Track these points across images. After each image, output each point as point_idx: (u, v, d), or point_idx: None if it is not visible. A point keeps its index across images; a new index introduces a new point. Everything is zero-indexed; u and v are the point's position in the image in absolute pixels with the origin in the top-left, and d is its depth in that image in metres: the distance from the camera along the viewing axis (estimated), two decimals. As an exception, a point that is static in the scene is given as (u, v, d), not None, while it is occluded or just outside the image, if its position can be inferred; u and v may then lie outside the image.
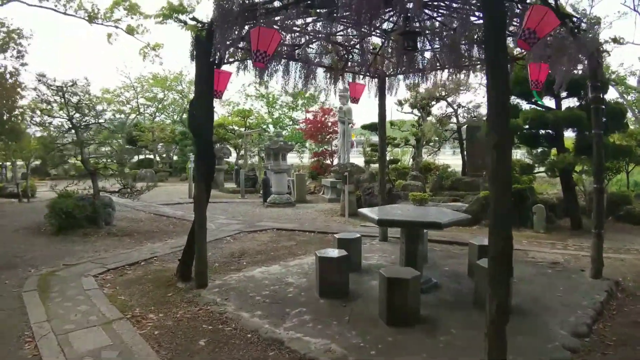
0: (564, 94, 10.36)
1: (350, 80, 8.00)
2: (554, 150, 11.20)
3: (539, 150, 11.43)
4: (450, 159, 19.36)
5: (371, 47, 7.32)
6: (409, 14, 5.03)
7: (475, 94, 16.34)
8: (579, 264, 6.75)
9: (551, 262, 6.98)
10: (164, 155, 31.24)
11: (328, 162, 20.76)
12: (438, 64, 6.86)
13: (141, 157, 29.41)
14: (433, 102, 16.83)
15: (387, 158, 20.02)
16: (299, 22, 5.16)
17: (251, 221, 11.24)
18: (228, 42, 4.60)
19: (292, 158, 23.60)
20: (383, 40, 6.99)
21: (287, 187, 15.65)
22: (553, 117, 9.52)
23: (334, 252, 5.43)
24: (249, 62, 5.65)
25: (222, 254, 7.77)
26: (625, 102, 16.06)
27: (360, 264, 6.45)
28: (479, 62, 6.48)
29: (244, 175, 18.52)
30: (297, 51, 6.02)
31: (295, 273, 6.28)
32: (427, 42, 6.64)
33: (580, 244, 8.24)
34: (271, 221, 11.31)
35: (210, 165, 5.76)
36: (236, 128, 27.23)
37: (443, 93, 15.50)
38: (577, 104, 10.37)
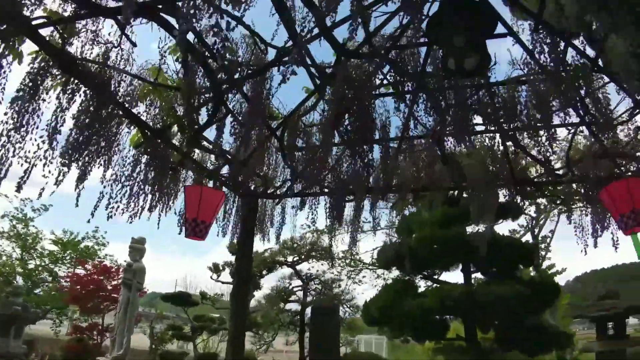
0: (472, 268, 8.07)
1: (188, 183, 3.75)
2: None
3: (443, 342, 8.17)
4: (282, 348, 14.67)
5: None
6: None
7: (329, 264, 12.93)
8: None
9: None
10: None
11: (97, 341, 13.81)
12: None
13: None
14: (265, 272, 12.67)
15: (192, 350, 14.07)
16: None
17: None
18: None
19: (43, 325, 17.23)
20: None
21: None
22: (490, 295, 6.66)
23: None
24: None
25: None
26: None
27: None
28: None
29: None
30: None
31: None
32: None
33: None
34: None
35: None
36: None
37: (290, 258, 11.65)
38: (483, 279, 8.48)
